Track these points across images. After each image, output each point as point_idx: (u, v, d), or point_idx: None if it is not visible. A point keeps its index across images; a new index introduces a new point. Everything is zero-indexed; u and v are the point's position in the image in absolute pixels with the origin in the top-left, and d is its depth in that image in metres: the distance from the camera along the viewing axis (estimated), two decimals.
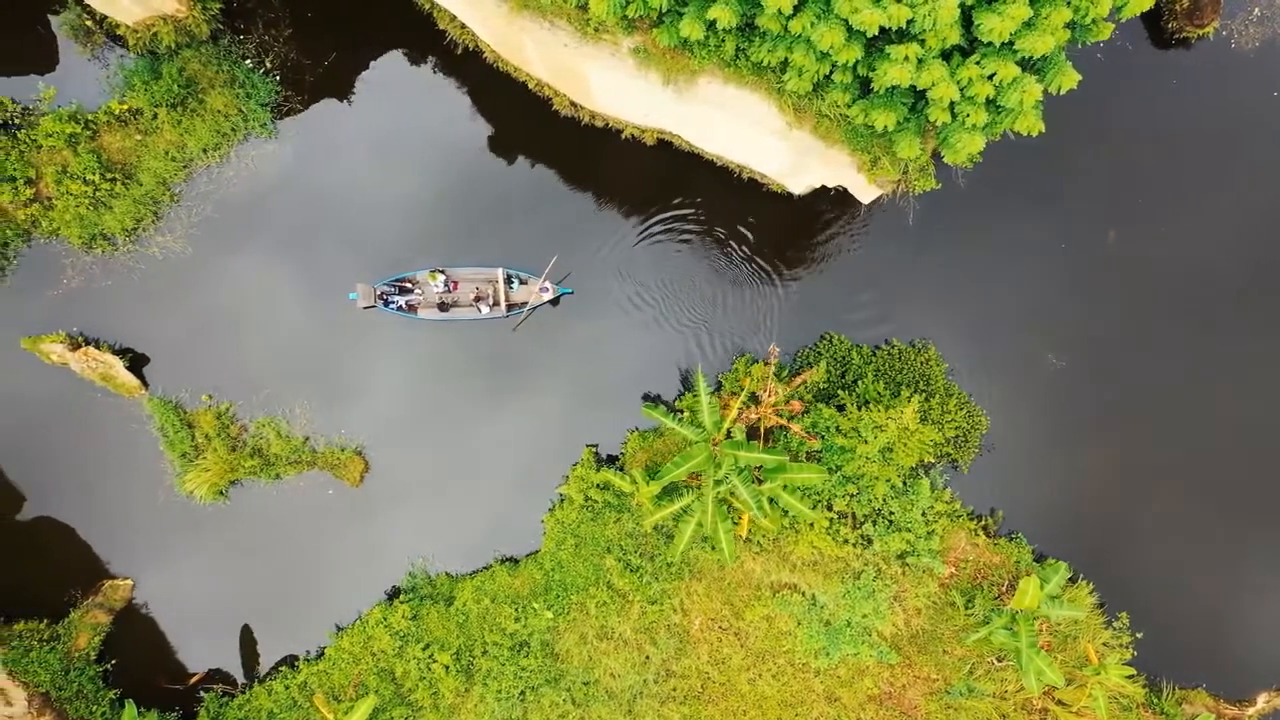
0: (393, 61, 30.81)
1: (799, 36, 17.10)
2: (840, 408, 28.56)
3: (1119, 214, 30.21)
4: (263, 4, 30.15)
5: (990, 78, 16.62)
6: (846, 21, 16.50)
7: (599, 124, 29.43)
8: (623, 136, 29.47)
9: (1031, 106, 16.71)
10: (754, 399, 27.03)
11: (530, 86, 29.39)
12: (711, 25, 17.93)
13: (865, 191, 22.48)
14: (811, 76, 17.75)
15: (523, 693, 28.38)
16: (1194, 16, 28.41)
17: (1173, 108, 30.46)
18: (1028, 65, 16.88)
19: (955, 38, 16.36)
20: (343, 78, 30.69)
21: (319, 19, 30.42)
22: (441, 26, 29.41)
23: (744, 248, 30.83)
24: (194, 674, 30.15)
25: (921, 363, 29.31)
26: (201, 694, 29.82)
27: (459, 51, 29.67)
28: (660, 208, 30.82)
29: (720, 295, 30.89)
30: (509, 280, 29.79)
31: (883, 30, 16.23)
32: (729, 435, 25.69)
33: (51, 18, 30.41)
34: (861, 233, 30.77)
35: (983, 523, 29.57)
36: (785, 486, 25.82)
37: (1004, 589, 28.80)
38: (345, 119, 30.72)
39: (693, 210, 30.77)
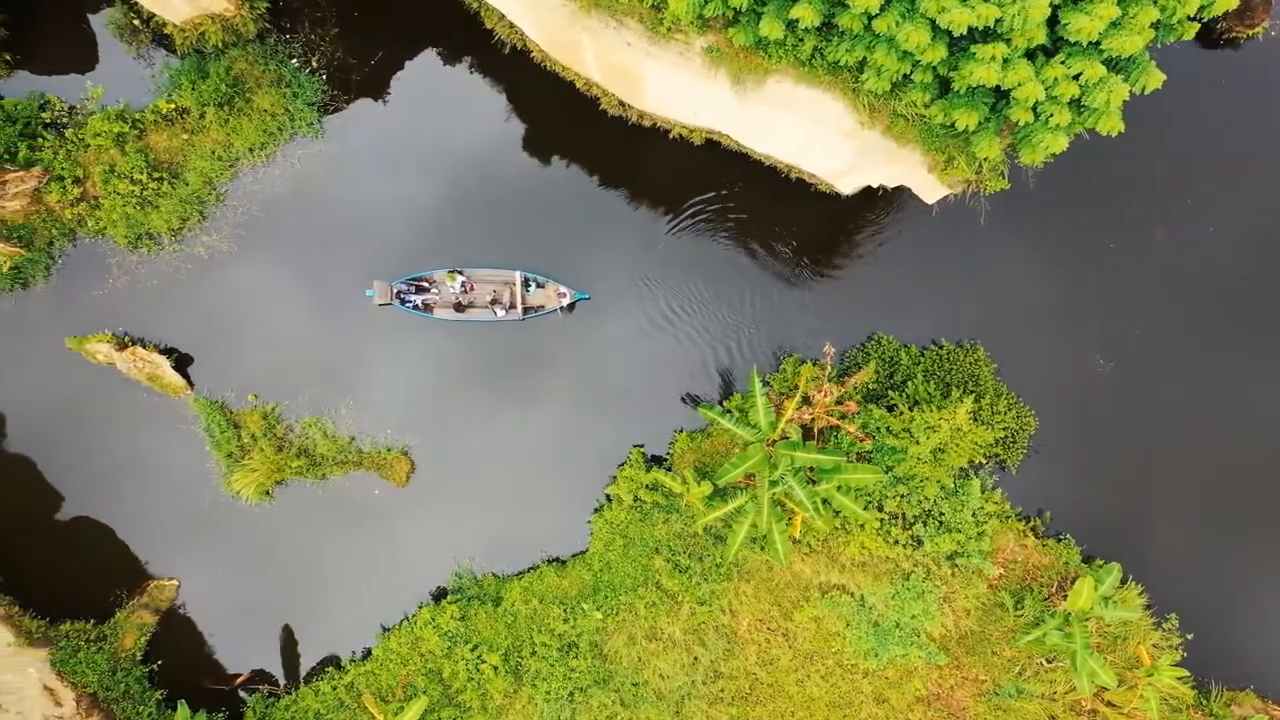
0: (438, 60, 30.74)
1: (881, 36, 17.03)
2: (890, 408, 28.50)
3: (1167, 213, 30.13)
4: (309, 3, 30.09)
5: (1076, 78, 16.56)
6: (932, 21, 16.44)
7: (646, 124, 29.39)
8: (670, 136, 29.43)
9: (1117, 107, 16.66)
10: (805, 399, 26.94)
11: (578, 86, 29.33)
12: (790, 25, 17.86)
13: (931, 191, 22.40)
14: (890, 76, 17.68)
15: (571, 693, 28.30)
16: (1245, 17, 28.34)
17: (1220, 108, 30.38)
18: (1112, 65, 16.81)
19: (1041, 37, 16.29)
20: (388, 77, 30.63)
21: (365, 18, 30.33)
22: (489, 25, 29.35)
23: (786, 248, 30.80)
24: (238, 674, 30.07)
25: (970, 363, 29.23)
26: (246, 694, 29.78)
27: (506, 51, 29.59)
28: (700, 208, 30.77)
29: (759, 296, 30.83)
30: (526, 283, 29.70)
31: (966, 30, 16.15)
32: (784, 436, 25.60)
33: (92, 16, 30.40)
34: (908, 233, 30.69)
35: (1031, 524, 29.49)
36: (840, 487, 25.72)
37: (1053, 590, 28.72)
38: (390, 118, 30.66)
39: (734, 210, 30.73)
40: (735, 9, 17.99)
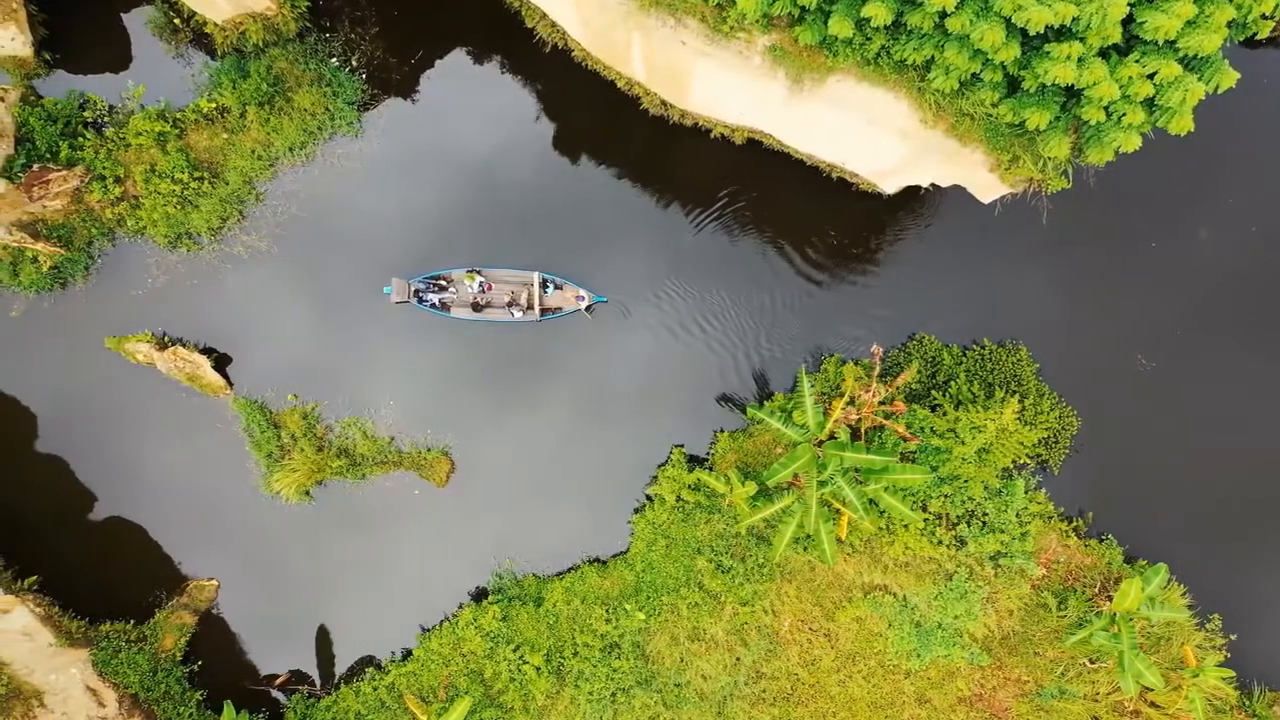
0: (477, 59, 30.66)
1: (952, 35, 16.95)
2: (933, 408, 28.42)
3: (1210, 213, 30.04)
4: (350, 2, 29.98)
5: (1150, 76, 16.48)
6: (1006, 20, 16.36)
7: (687, 123, 29.30)
8: (711, 136, 29.34)
9: (1191, 106, 16.59)
10: (852, 400, 26.85)
11: (619, 85, 29.22)
12: (859, 23, 17.78)
13: (988, 191, 22.32)
14: (959, 75, 17.61)
15: (614, 694, 28.23)
16: None
17: (1263, 107, 30.29)
18: (1186, 64, 16.73)
19: (1116, 36, 16.22)
20: (427, 75, 30.55)
21: (405, 17, 30.24)
22: (529, 24, 29.25)
23: (824, 248, 30.74)
24: (277, 675, 30.01)
25: (1013, 363, 29.15)
26: (285, 695, 29.73)
27: (546, 50, 29.49)
28: (736, 208, 30.70)
29: (795, 296, 30.74)
30: (544, 285, 29.64)
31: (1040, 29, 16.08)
32: (832, 436, 25.53)
33: (130, 16, 30.32)
34: (947, 232, 30.62)
35: (1074, 524, 29.41)
36: (887, 488, 25.64)
37: (1096, 591, 28.64)
38: (426, 117, 30.59)
39: (771, 210, 30.67)
40: (802, 7, 17.91)
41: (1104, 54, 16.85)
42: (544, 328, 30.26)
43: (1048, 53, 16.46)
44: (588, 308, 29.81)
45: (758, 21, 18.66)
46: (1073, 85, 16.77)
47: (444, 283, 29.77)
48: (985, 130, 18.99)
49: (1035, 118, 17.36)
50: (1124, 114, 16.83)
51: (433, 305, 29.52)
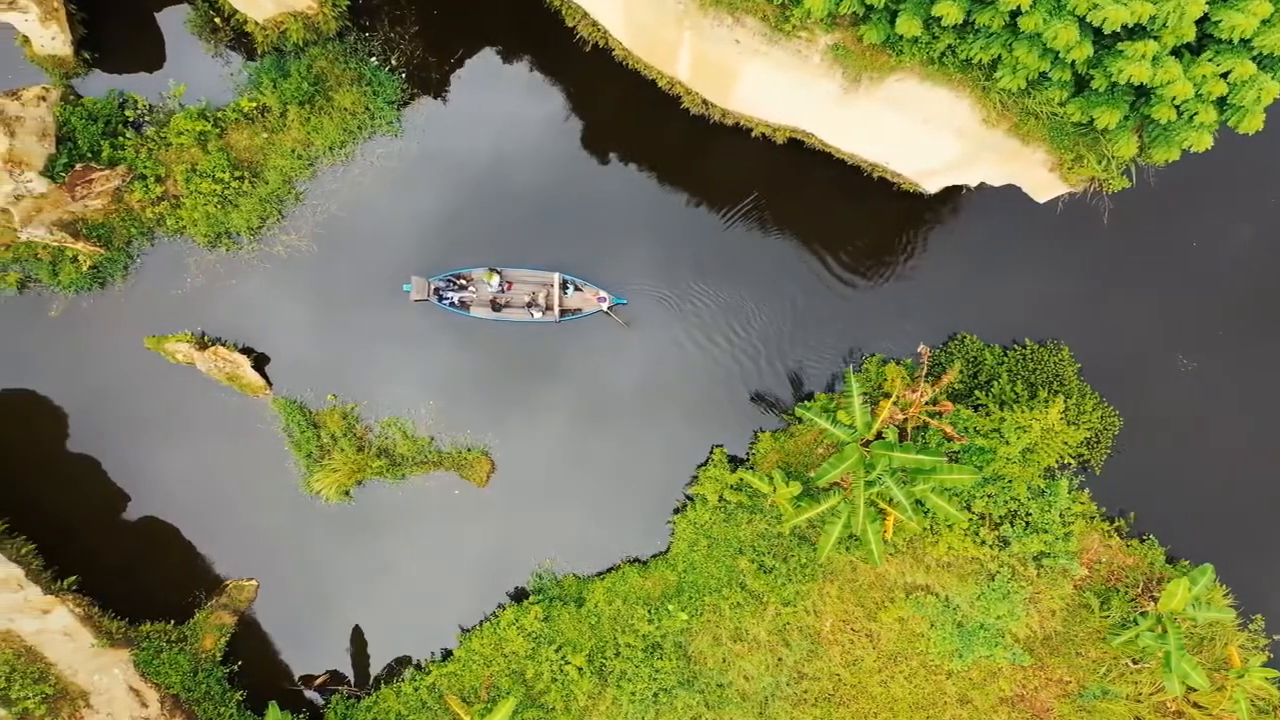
0: (516, 58, 30.57)
1: (1022, 33, 16.89)
2: (975, 407, 28.37)
3: (1251, 211, 29.98)
4: (389, 1, 29.90)
5: (1224, 75, 16.43)
6: (1079, 18, 16.30)
7: (728, 122, 29.23)
8: (752, 135, 29.28)
9: (1264, 105, 16.53)
10: (899, 400, 26.79)
11: (660, 85, 29.14)
12: (926, 22, 17.72)
13: (1045, 190, 22.25)
14: (1026, 74, 17.55)
15: (656, 694, 28.18)
16: None
17: None
18: (1259, 62, 16.66)
19: (1190, 35, 16.16)
20: (466, 75, 30.48)
21: (444, 16, 30.16)
22: (569, 24, 29.17)
23: (861, 247, 30.67)
24: (316, 675, 29.96)
25: (1055, 362, 29.08)
26: (323, 696, 29.69)
27: (586, 49, 29.41)
28: (773, 207, 30.62)
29: (831, 296, 30.67)
30: (564, 286, 29.60)
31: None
32: (879, 436, 25.48)
33: (167, 14, 30.24)
34: (986, 232, 30.56)
35: (1115, 524, 29.36)
36: (934, 488, 25.58)
37: (1139, 591, 28.59)
38: (466, 116, 30.50)
39: (809, 210, 30.62)
40: (868, 6, 17.85)
41: (1175, 52, 16.79)
42: (577, 328, 30.18)
43: (1121, 51, 16.40)
44: (608, 309, 29.72)
45: (821, 20, 18.60)
46: (1143, 84, 16.70)
47: (464, 281, 29.71)
48: (1049, 129, 18.94)
49: (1105, 117, 17.30)
50: (1196, 113, 16.77)
51: (452, 304, 29.47)
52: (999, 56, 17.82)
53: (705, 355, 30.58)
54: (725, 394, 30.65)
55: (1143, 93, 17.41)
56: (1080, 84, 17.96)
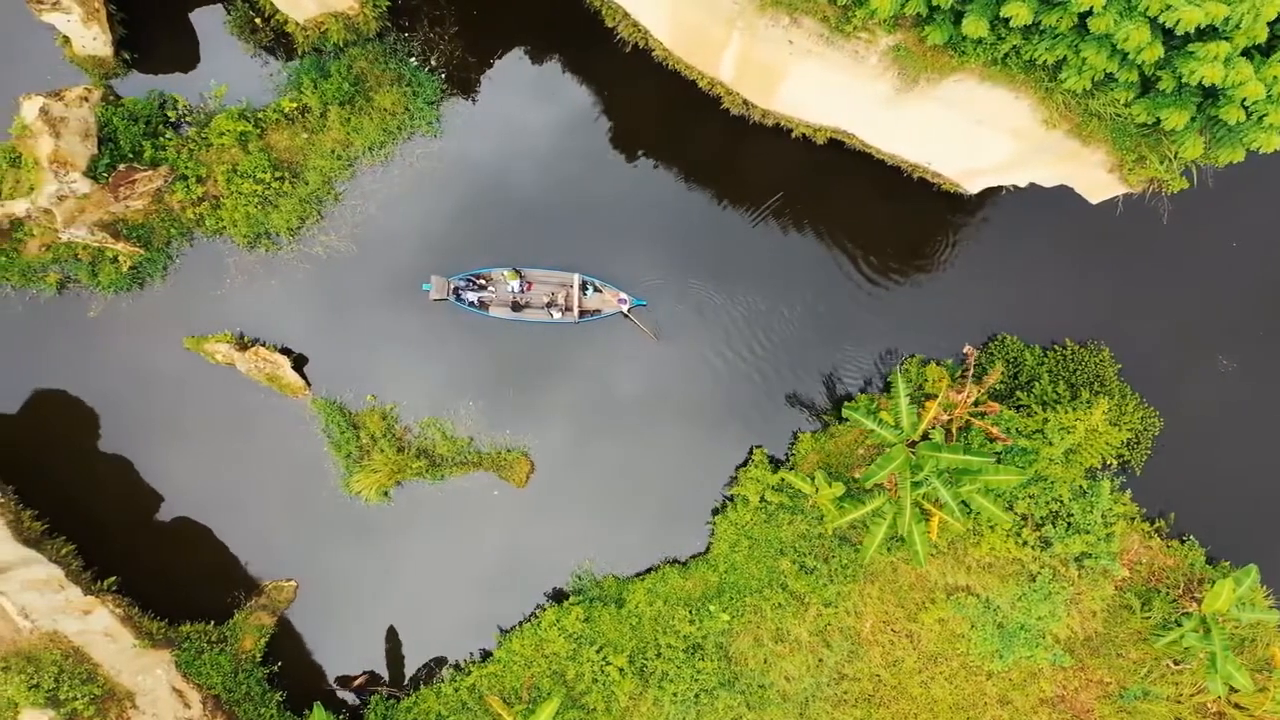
0: (554, 59, 30.58)
1: (1091, 34, 16.87)
2: (1017, 408, 28.36)
3: None
4: (428, 1, 29.89)
5: None
6: (1150, 19, 16.29)
7: (768, 123, 29.23)
8: (792, 135, 29.27)
9: None
10: (945, 401, 26.79)
11: (700, 85, 29.13)
12: (992, 23, 17.71)
13: (1099, 191, 22.24)
14: (1092, 74, 17.54)
15: (697, 695, 28.16)
16: None
17: None
18: None
19: (1263, 36, 16.15)
20: (505, 75, 30.48)
21: (483, 16, 30.15)
22: (609, 24, 29.15)
23: (898, 247, 30.68)
24: (355, 676, 29.94)
25: (1095, 363, 29.07)
26: (360, 696, 29.67)
27: (627, 50, 29.40)
28: (809, 207, 30.64)
29: (867, 296, 30.68)
30: (584, 287, 29.57)
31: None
32: (925, 437, 25.47)
33: (205, 15, 30.23)
34: (1023, 232, 30.56)
35: (1156, 525, 29.35)
36: (981, 489, 25.56)
37: (1180, 592, 28.58)
38: (505, 116, 30.51)
39: (846, 210, 30.65)
40: (934, 6, 17.84)
41: (1245, 53, 16.77)
42: (614, 330, 30.12)
43: (1192, 53, 16.39)
44: (628, 311, 29.69)
45: (884, 22, 18.59)
46: (1213, 85, 16.69)
47: (483, 281, 29.68)
48: (1111, 130, 18.93)
49: (1173, 118, 17.29)
50: (1265, 114, 16.76)
51: (471, 304, 29.44)
52: (1064, 57, 17.80)
53: (739, 357, 30.57)
54: (760, 395, 30.65)
55: (1210, 94, 17.40)
56: (1145, 85, 17.94)
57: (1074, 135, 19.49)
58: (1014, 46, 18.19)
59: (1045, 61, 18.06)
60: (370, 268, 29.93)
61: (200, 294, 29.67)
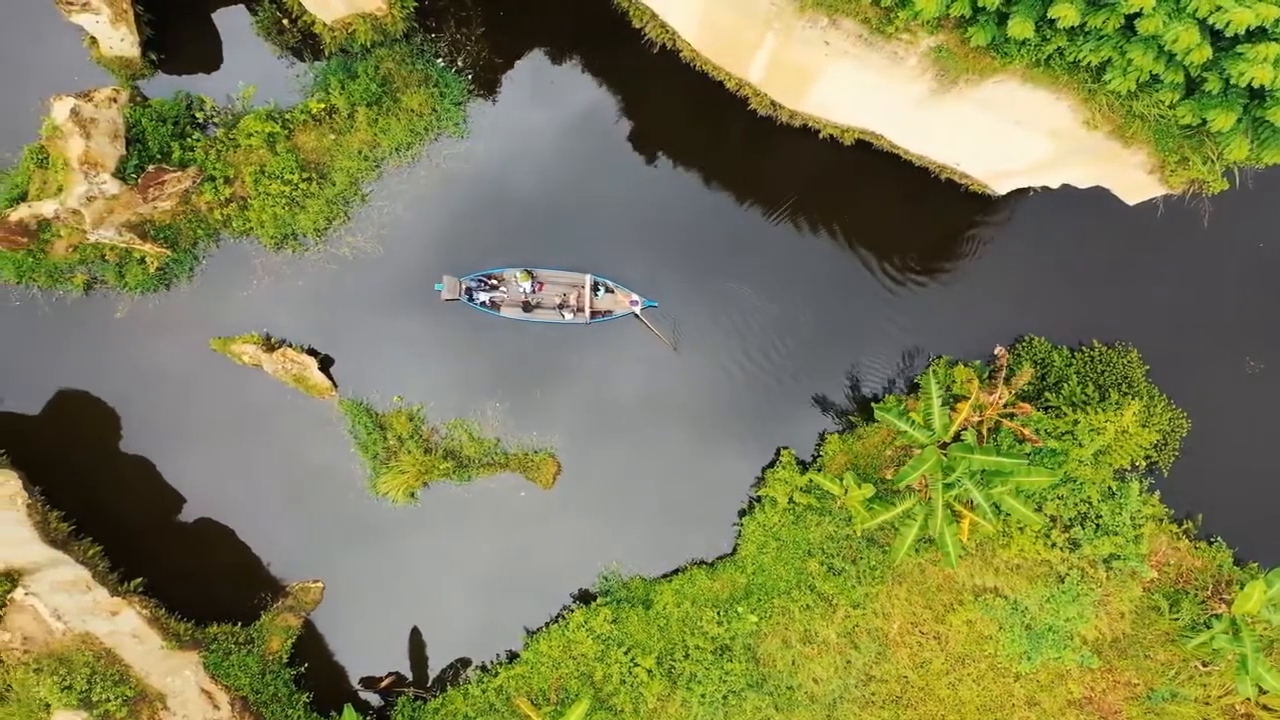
0: (580, 59, 30.53)
1: (1138, 36, 16.86)
2: (1046, 408, 28.32)
3: None
4: (455, 2, 29.87)
5: None
6: (1199, 21, 16.28)
7: (796, 124, 29.19)
8: (820, 136, 29.24)
9: None
10: (976, 403, 26.76)
11: (727, 86, 29.09)
12: (1038, 25, 17.69)
13: (1136, 192, 22.22)
14: (1138, 76, 17.52)
15: (725, 696, 28.15)
16: None
17: None
18: None
19: None
20: (531, 76, 30.46)
21: (509, 17, 30.13)
22: (636, 25, 29.11)
23: (923, 247, 30.66)
24: (380, 677, 29.92)
25: (1124, 364, 29.04)
26: (385, 698, 29.66)
27: (655, 50, 29.36)
28: (833, 208, 30.62)
29: (894, 297, 30.65)
30: (595, 288, 29.59)
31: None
32: (956, 438, 25.45)
33: (225, 15, 30.20)
34: (1050, 233, 30.50)
35: (1183, 526, 29.32)
36: (1011, 490, 25.53)
37: (1208, 593, 28.56)
38: (530, 117, 30.49)
39: (871, 211, 30.63)
40: (979, 7, 17.82)
41: None
42: (641, 332, 30.09)
43: (1241, 54, 16.37)
44: (639, 312, 29.68)
45: (927, 23, 18.57)
46: (1260, 86, 16.67)
47: (495, 281, 29.67)
48: (1154, 131, 18.91)
49: (1220, 119, 17.28)
50: None
51: (483, 304, 29.44)
52: (1109, 59, 17.78)
53: (763, 357, 30.54)
54: (783, 397, 30.62)
55: (1257, 95, 17.38)
56: (1190, 86, 17.93)
57: (1115, 136, 19.47)
58: (1058, 48, 18.17)
59: (1089, 63, 18.05)
60: (396, 268, 29.92)
61: (227, 295, 29.67)
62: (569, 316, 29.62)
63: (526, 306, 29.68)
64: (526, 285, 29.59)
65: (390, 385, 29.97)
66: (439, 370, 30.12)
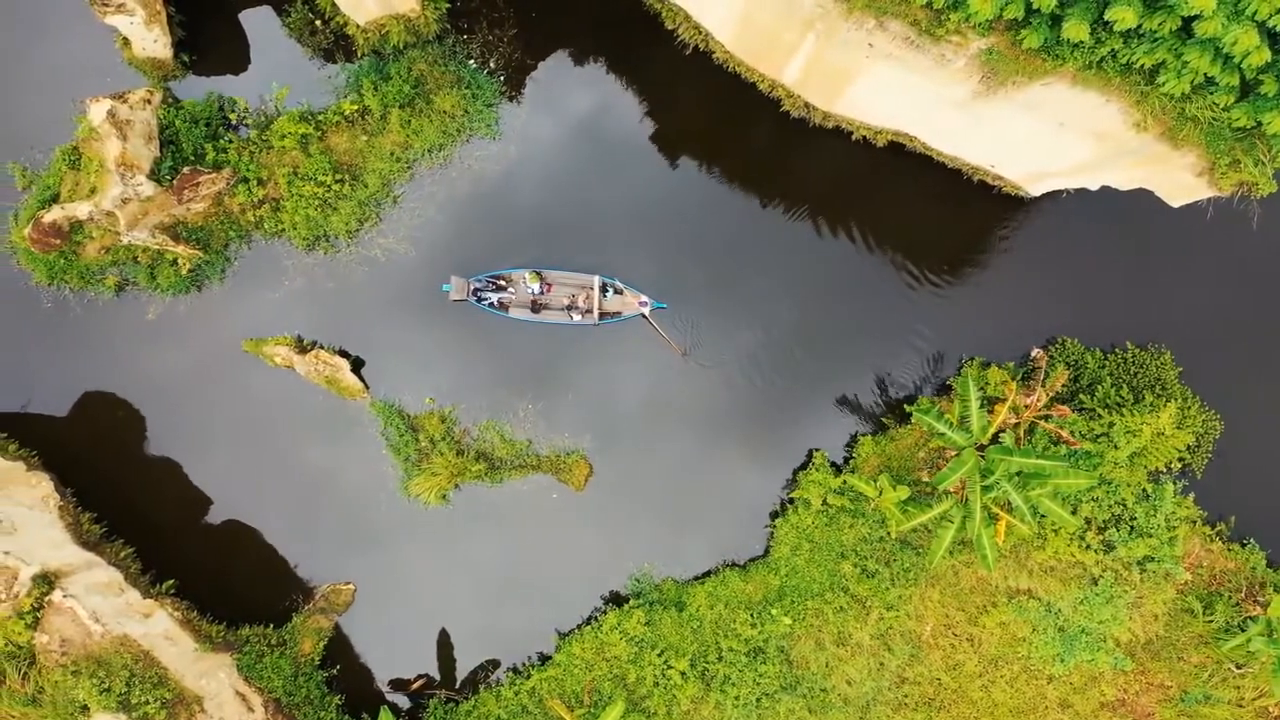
0: (613, 61, 30.51)
1: (1193, 38, 16.85)
2: (1079, 410, 28.30)
3: None
4: (487, 3, 29.86)
5: None
6: (1259, 24, 16.26)
7: (829, 125, 29.17)
8: (852, 138, 29.24)
9: None
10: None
11: (760, 88, 29.09)
12: (1092, 27, 17.67)
13: (1181, 194, 22.20)
14: (1192, 78, 17.52)
15: (759, 699, 28.11)
16: None
17: None
18: None
19: None
20: (563, 78, 30.46)
21: (542, 19, 30.12)
22: (669, 26, 29.10)
23: (955, 250, 30.64)
24: (411, 679, 29.89)
25: (1157, 366, 29.03)
26: (419, 699, 29.62)
27: (687, 52, 29.36)
28: (861, 209, 30.62)
29: (925, 297, 30.61)
30: (604, 289, 29.55)
31: None
32: (994, 440, 25.42)
33: (257, 17, 30.18)
34: (1079, 235, 30.49)
35: (1217, 528, 29.30)
36: (1049, 492, 25.50)
37: (1242, 595, 28.54)
38: (561, 119, 30.51)
39: (900, 213, 30.63)
40: (1032, 9, 17.80)
41: None
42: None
43: None
44: (648, 314, 29.66)
45: (979, 25, 18.56)
46: None
47: (502, 282, 29.64)
48: (1206, 133, 18.91)
49: (1276, 122, 17.28)
50: None
51: (491, 305, 29.41)
52: (1163, 61, 17.78)
53: (792, 359, 30.51)
54: (813, 399, 30.62)
55: None
56: (1245, 88, 17.92)
57: (1165, 139, 19.46)
58: (1112, 50, 18.16)
59: (1143, 65, 18.03)
60: (426, 270, 29.88)
61: (258, 296, 29.66)
62: (577, 318, 29.60)
63: (534, 307, 29.64)
64: (535, 286, 29.55)
65: (421, 386, 29.92)
66: (469, 371, 30.10)
